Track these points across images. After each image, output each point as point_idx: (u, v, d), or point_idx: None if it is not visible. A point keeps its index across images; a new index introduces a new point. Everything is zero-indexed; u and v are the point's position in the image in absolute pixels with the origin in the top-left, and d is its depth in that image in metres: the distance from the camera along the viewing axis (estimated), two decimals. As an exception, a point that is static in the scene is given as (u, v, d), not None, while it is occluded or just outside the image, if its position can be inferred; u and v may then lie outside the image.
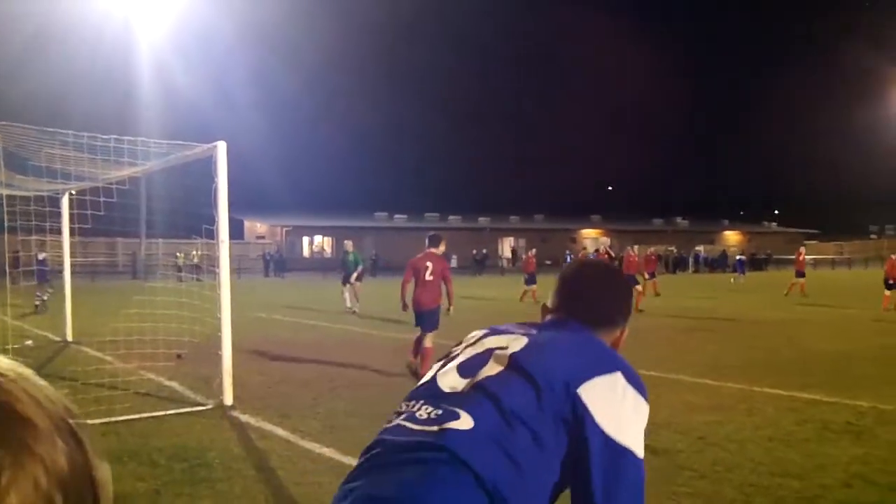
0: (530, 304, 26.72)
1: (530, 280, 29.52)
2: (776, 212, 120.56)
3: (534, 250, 33.74)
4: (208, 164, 9.50)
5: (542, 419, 1.82)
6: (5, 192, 9.91)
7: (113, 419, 8.65)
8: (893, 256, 21.99)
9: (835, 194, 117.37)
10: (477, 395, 1.89)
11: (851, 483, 6.44)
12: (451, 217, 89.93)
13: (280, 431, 8.28)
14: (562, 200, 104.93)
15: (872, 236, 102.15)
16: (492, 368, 1.96)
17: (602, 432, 1.82)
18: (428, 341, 11.33)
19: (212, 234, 9.68)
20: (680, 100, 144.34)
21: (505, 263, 73.10)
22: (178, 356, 12.12)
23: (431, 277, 11.42)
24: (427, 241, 11.85)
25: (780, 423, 8.51)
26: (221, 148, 9.51)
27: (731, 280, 44.97)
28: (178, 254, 34.45)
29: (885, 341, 16.27)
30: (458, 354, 2.09)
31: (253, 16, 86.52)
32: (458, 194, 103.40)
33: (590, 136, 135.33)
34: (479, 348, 2.07)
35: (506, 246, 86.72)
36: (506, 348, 2.01)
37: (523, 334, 2.07)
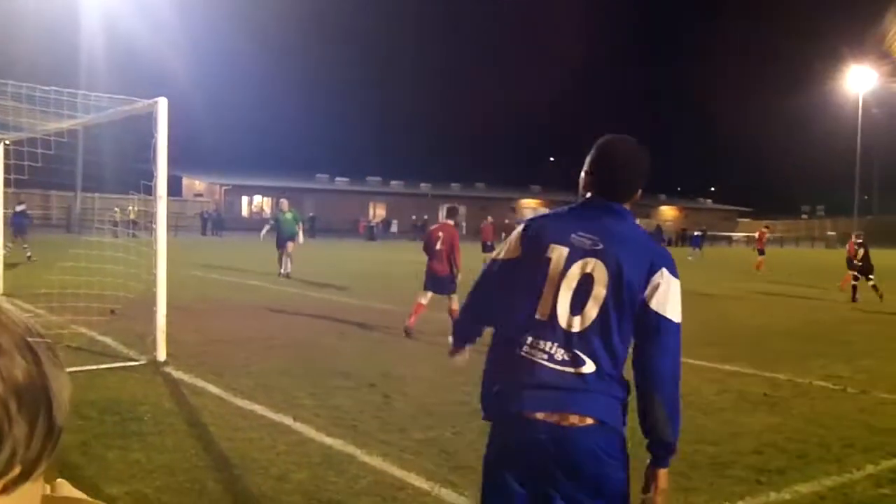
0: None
1: (488, 248, 28.98)
2: (712, 189, 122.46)
3: (490, 218, 33.48)
4: (149, 119, 9.46)
5: (629, 321, 2.77)
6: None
7: (44, 372, 8.61)
8: (853, 237, 22.32)
9: (769, 174, 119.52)
10: (590, 338, 2.73)
11: (762, 450, 6.74)
12: (392, 182, 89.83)
13: (213, 388, 8.35)
14: (503, 170, 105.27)
15: (804, 216, 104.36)
16: (592, 306, 2.75)
17: (657, 314, 2.74)
18: (453, 303, 12.18)
19: (150, 191, 9.65)
20: (623, 77, 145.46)
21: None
22: (112, 311, 12.06)
23: (441, 247, 12.43)
24: (445, 211, 13.12)
25: (701, 393, 8.80)
26: (162, 104, 9.47)
27: (689, 257, 44.88)
28: (115, 209, 33.97)
29: (812, 317, 16.84)
30: (558, 282, 2.80)
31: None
32: (400, 159, 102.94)
33: (533, 108, 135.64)
34: (574, 281, 2.78)
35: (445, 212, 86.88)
36: (592, 276, 2.76)
37: (596, 251, 2.78)
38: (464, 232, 67.85)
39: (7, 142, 13.14)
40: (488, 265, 3.10)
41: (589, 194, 2.98)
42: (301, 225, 23.70)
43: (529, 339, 2.77)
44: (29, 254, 23.13)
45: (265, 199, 78.40)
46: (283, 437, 6.67)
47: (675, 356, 2.77)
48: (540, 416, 2.66)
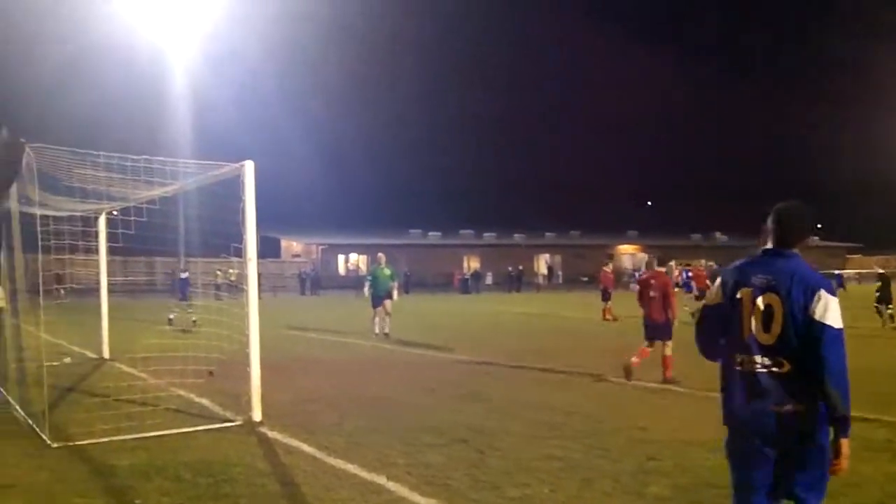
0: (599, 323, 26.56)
1: (607, 296, 28.32)
2: (818, 226, 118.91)
3: (610, 266, 32.50)
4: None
5: (802, 331, 3.91)
6: (39, 211, 10.11)
7: (143, 435, 8.77)
8: None
9: (879, 208, 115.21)
10: (781, 347, 3.93)
11: (886, 502, 6.39)
12: (485, 234, 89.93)
13: (306, 448, 8.36)
14: (598, 216, 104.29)
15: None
16: (776, 325, 3.95)
17: (821, 322, 3.87)
18: (667, 349, 12.78)
19: (241, 253, 9.80)
20: (718, 114, 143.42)
21: (541, 280, 72.88)
22: (210, 373, 12.25)
23: (655, 295, 13.01)
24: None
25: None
26: (249, 167, 9.66)
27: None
28: (217, 272, 34.72)
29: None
30: (750, 313, 4.05)
31: (281, 36, 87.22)
32: (492, 211, 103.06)
33: (626, 152, 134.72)
34: (760, 310, 4.01)
35: (541, 263, 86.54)
36: (772, 305, 3.98)
37: (771, 286, 4.01)
38: (560, 281, 67.63)
39: (115, 212, 13.55)
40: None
41: (769, 244, 4.19)
42: (395, 283, 22.22)
43: (741, 358, 4.05)
44: (194, 318, 22.43)
45: (360, 256, 79.34)
46: (374, 496, 6.60)
47: (840, 351, 3.86)
48: (762, 407, 3.95)
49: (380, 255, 22.90)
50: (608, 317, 28.01)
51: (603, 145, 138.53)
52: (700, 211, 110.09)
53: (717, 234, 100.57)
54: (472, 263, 79.87)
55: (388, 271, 21.81)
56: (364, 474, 7.29)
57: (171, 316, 23.78)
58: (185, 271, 26.40)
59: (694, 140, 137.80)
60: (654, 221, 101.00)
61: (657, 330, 12.92)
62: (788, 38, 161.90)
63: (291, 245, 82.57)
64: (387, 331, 21.00)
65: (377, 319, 21.42)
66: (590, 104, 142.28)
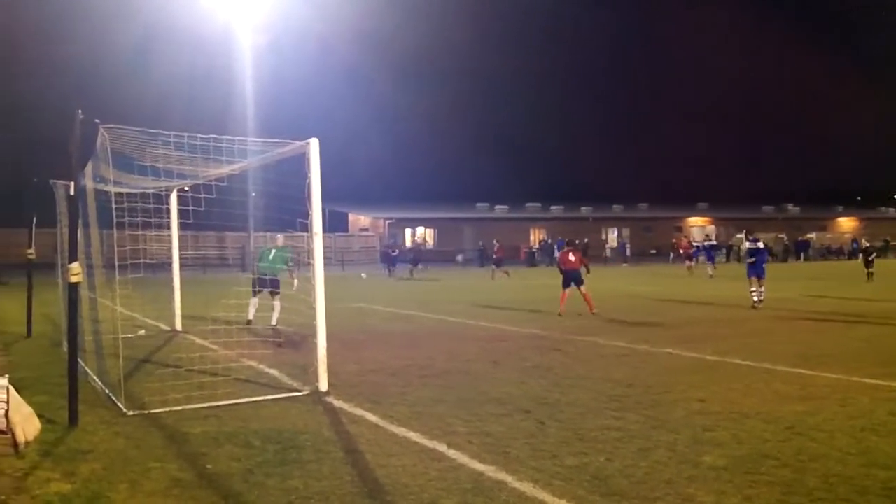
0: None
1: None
2: (895, 196, 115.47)
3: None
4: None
5: None
6: (114, 189, 10.47)
7: (214, 403, 9.10)
8: None
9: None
10: None
11: None
12: (552, 207, 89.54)
13: (370, 417, 8.58)
14: (667, 188, 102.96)
15: None
16: None
17: None
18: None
19: (306, 228, 10.02)
20: (788, 81, 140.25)
21: (609, 253, 72.40)
22: (279, 345, 12.59)
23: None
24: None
25: (875, 414, 8.38)
26: (314, 145, 9.85)
27: (709, 272, 40.60)
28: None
29: None
30: None
31: (347, 13, 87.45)
32: (560, 184, 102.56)
33: (695, 122, 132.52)
34: None
35: (609, 236, 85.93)
36: None
37: None
38: (628, 253, 67.13)
39: (187, 189, 13.89)
40: None
41: None
42: (290, 269, 17.37)
43: None
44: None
45: (427, 229, 79.69)
46: (435, 463, 6.77)
47: None
48: None
49: (278, 235, 18.16)
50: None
51: (674, 116, 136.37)
52: (773, 182, 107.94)
53: (789, 206, 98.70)
54: (539, 236, 79.65)
55: (280, 254, 17.35)
56: (425, 442, 7.47)
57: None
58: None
59: (770, 110, 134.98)
60: (725, 193, 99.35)
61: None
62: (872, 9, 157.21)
63: (359, 219, 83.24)
64: (273, 323, 16.15)
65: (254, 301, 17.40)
66: (661, 75, 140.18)
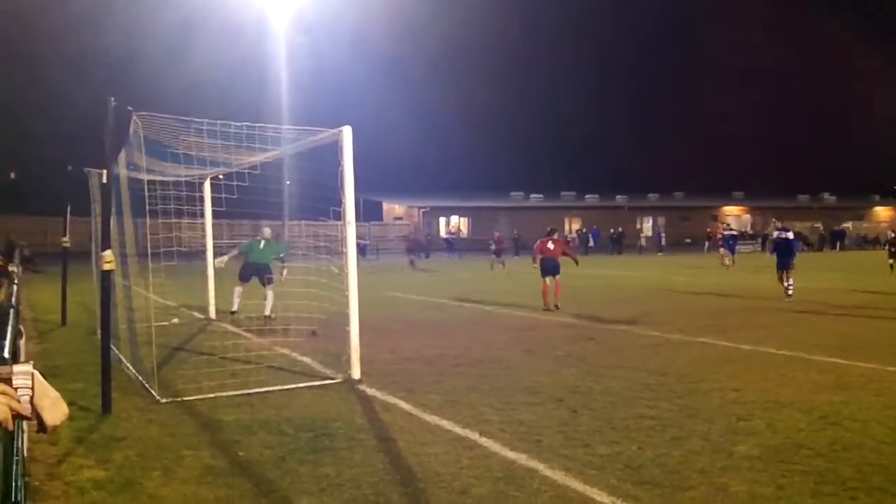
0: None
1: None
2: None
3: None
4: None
5: None
6: (147, 177, 10.52)
7: (248, 391, 9.15)
8: None
9: None
10: None
11: None
12: (587, 196, 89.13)
13: (403, 405, 8.59)
14: (703, 177, 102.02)
15: None
16: None
17: None
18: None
19: (339, 216, 10.03)
20: (824, 70, 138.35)
21: (644, 242, 71.92)
22: (313, 333, 12.62)
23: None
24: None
25: (909, 404, 8.28)
26: (347, 132, 9.85)
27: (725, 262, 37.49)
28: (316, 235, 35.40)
29: None
30: None
31: (384, 2, 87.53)
32: (595, 172, 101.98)
33: (732, 110, 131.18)
34: None
35: (644, 225, 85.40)
36: None
37: None
38: (663, 243, 66.67)
39: (221, 177, 13.96)
40: None
41: None
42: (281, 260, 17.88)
43: None
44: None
45: (462, 218, 79.66)
46: (467, 451, 6.76)
47: None
48: None
49: (265, 228, 18.24)
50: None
51: (710, 104, 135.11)
52: (809, 171, 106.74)
53: (826, 195, 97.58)
54: (574, 226, 79.36)
55: (271, 246, 17.57)
56: (458, 430, 7.47)
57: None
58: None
59: (808, 99, 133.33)
60: (761, 182, 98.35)
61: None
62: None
63: (393, 208, 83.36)
64: (267, 313, 16.13)
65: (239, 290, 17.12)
66: (696, 62, 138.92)
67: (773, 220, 25.12)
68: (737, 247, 40.67)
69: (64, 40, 69.00)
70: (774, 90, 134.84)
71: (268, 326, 14.63)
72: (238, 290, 16.91)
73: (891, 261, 31.21)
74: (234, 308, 16.75)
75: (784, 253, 20.14)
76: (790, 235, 20.48)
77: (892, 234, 35.18)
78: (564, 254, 18.83)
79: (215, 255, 17.18)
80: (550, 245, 18.34)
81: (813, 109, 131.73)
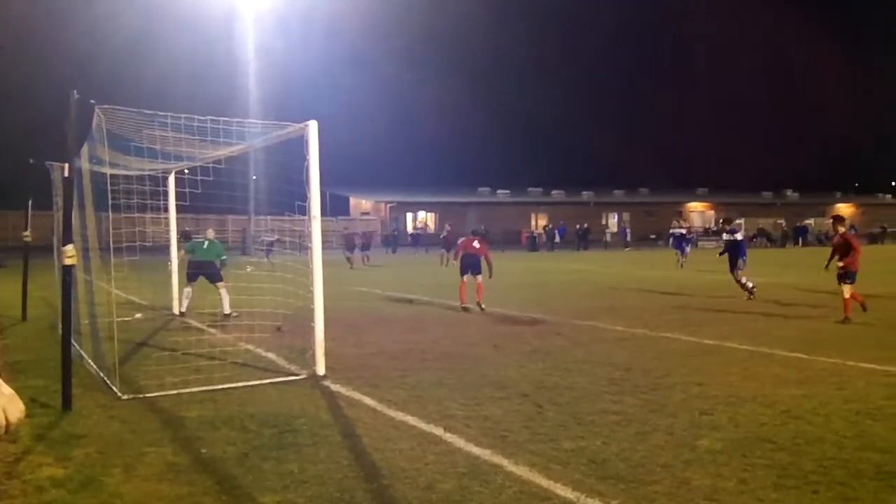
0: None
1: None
2: (893, 183, 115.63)
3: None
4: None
5: None
6: (110, 171, 10.40)
7: (211, 388, 9.07)
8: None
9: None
10: None
11: None
12: (554, 191, 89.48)
13: (368, 400, 8.55)
14: (667, 173, 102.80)
15: None
16: None
17: None
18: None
19: (304, 211, 9.95)
20: (788, 68, 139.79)
21: (609, 238, 72.27)
22: (278, 328, 12.56)
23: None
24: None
25: (871, 398, 8.36)
26: (312, 127, 9.78)
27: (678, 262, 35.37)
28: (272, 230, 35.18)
29: None
30: None
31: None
32: (561, 168, 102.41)
33: (697, 107, 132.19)
34: None
35: (610, 220, 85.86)
36: None
37: None
38: (629, 238, 67.08)
39: (186, 171, 13.84)
40: None
41: None
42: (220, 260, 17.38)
43: None
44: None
45: (428, 214, 79.70)
46: (432, 447, 6.75)
47: None
48: None
49: (209, 229, 18.00)
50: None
51: (676, 101, 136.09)
52: (773, 168, 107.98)
53: (789, 192, 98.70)
54: (540, 221, 79.62)
55: (213, 246, 17.16)
56: (423, 426, 7.45)
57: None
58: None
59: (772, 97, 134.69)
60: (725, 179, 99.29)
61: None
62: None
63: (360, 203, 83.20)
64: (226, 311, 16.16)
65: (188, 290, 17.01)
66: (662, 61, 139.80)
67: (721, 220, 24.56)
68: (687, 246, 37.51)
69: (27, 31, 68.14)
70: (739, 88, 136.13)
71: (231, 322, 14.51)
72: (187, 290, 16.77)
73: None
74: (183, 309, 16.72)
75: (732, 254, 19.80)
76: (738, 237, 20.13)
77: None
78: (486, 257, 18.00)
79: (179, 249, 17.04)
80: (476, 244, 17.95)
81: (776, 107, 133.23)
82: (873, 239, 70.22)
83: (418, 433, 7.22)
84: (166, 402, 8.55)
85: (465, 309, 17.41)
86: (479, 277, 17.67)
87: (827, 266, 16.01)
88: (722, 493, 5.54)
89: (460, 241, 18.46)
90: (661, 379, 9.48)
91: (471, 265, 17.75)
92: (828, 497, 5.46)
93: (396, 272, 33.31)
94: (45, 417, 7.78)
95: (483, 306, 17.36)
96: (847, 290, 15.13)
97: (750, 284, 19.32)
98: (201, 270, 16.64)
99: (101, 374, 9.75)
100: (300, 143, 9.91)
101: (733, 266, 19.61)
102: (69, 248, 8.39)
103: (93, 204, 10.05)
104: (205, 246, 16.90)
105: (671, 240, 39.80)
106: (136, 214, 10.74)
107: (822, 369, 9.99)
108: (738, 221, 27.71)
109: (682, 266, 34.09)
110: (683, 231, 38.66)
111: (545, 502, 5.46)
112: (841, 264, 15.45)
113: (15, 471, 6.20)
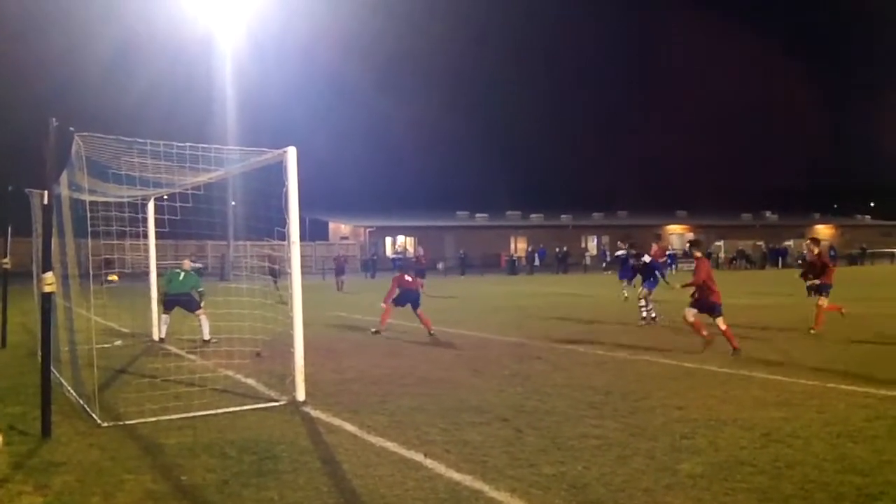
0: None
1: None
2: (871, 204, 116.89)
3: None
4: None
5: None
6: (89, 198, 10.38)
7: (191, 414, 9.02)
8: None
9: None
10: None
11: None
12: (532, 215, 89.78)
13: (348, 426, 8.53)
14: (646, 196, 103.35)
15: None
16: None
17: None
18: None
19: (283, 236, 9.96)
20: (767, 91, 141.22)
21: (589, 261, 72.53)
22: (258, 354, 12.52)
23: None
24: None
25: (850, 420, 8.40)
26: (291, 153, 9.79)
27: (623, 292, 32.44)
28: (253, 257, 35.10)
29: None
30: None
31: (329, 20, 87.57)
32: (539, 192, 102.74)
33: (675, 130, 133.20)
34: None
35: (589, 243, 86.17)
36: None
37: None
38: (608, 260, 67.24)
39: (165, 197, 13.80)
40: None
41: None
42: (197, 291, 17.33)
43: None
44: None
45: (408, 238, 79.75)
46: (412, 473, 6.74)
47: None
48: None
49: (185, 260, 17.50)
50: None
51: (654, 124, 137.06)
52: (752, 190, 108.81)
53: (768, 214, 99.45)
54: (519, 245, 79.81)
55: (189, 278, 16.99)
56: (403, 452, 7.44)
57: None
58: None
59: (750, 119, 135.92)
60: (704, 201, 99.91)
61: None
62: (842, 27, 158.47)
63: (339, 227, 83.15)
64: (206, 338, 16.02)
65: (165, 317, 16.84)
66: (640, 84, 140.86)
67: (628, 243, 23.89)
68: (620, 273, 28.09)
69: (3, 58, 67.89)
70: (718, 111, 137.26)
71: (210, 349, 14.46)
72: (165, 317, 16.65)
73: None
74: (162, 335, 16.54)
75: (645, 275, 20.02)
76: (646, 259, 20.26)
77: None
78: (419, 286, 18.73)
79: (158, 276, 16.97)
80: (408, 278, 18.14)
81: (756, 129, 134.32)
82: (853, 260, 70.84)
83: (398, 459, 7.21)
84: (146, 428, 8.50)
85: (377, 333, 17.66)
86: (420, 310, 17.70)
87: (803, 277, 16.83)
88: (702, 516, 5.57)
89: (394, 278, 18.40)
90: (641, 402, 9.52)
91: (411, 298, 17.85)
92: (806, 520, 5.50)
93: (376, 297, 33.24)
94: (23, 445, 7.71)
95: (432, 332, 17.28)
96: (824, 301, 16.37)
97: (654, 315, 19.46)
98: (178, 302, 16.51)
99: (81, 401, 9.68)
100: (279, 168, 9.92)
101: (647, 286, 19.69)
102: (48, 276, 8.35)
103: (72, 230, 10.01)
104: (181, 277, 16.77)
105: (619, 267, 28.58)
106: (116, 241, 10.71)
107: (802, 391, 10.04)
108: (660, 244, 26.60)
109: (627, 299, 26.20)
110: (623, 254, 31.04)
111: (526, 527, 5.48)
112: (817, 282, 16.60)
113: (-7, 500, 6.15)
